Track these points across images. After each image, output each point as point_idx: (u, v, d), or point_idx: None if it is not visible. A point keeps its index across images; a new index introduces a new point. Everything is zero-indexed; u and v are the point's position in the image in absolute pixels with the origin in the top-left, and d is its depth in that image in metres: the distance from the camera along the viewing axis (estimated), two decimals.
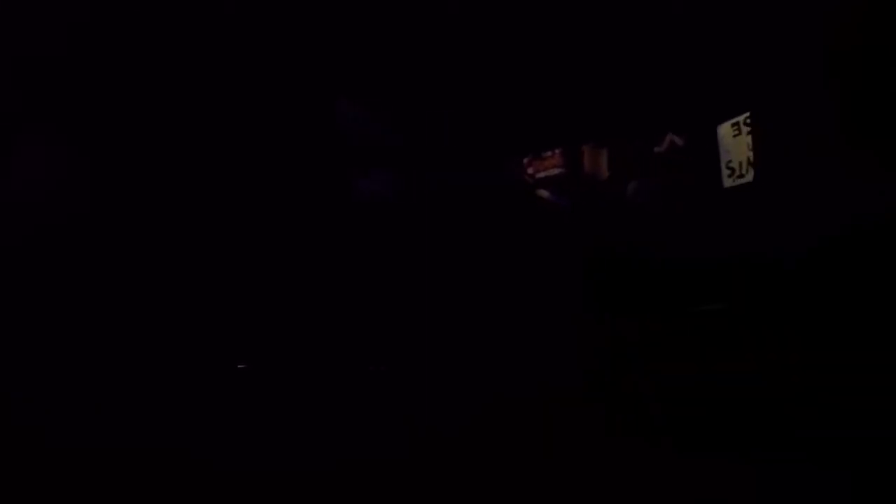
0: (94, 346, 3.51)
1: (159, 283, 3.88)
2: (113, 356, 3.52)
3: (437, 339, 4.06)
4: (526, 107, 5.42)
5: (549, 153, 5.73)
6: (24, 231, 3.55)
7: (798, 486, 1.75)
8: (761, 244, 3.58)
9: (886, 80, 3.08)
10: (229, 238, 4.27)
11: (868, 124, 3.14)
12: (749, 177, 4.51)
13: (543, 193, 5.67)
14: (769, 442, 2.19)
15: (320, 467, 2.34)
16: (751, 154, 4.47)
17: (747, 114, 4.43)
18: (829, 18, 3.26)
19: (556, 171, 5.70)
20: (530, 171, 5.78)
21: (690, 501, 1.72)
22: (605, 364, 3.38)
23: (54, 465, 2.40)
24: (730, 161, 4.74)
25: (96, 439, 2.66)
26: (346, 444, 2.60)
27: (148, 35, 4.04)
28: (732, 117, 4.65)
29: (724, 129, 4.77)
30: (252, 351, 3.90)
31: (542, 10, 4.79)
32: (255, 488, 2.18)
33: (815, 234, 3.19)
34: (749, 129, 4.45)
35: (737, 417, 2.50)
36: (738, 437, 2.33)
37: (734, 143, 4.69)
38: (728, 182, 4.71)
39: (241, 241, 4.31)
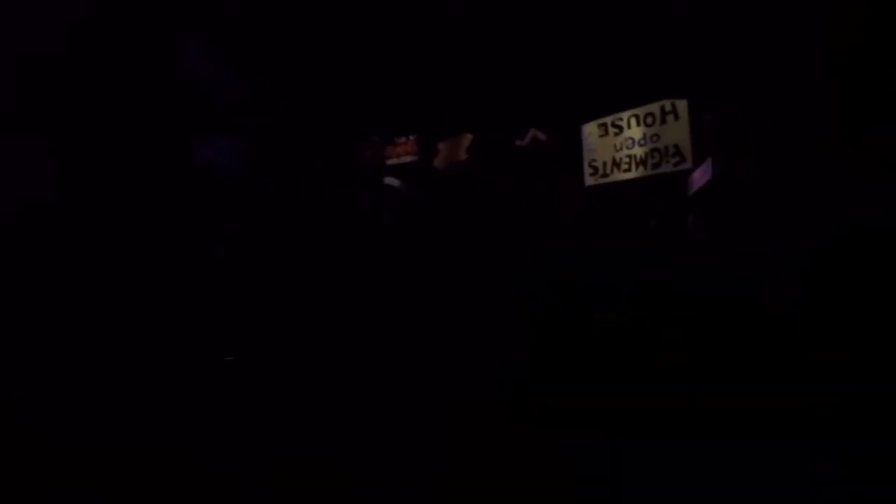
0: (94, 346, 3.51)
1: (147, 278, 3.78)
2: (112, 356, 3.51)
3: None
4: (383, 88, 5.06)
5: (402, 139, 5.35)
6: (22, 230, 3.54)
7: None
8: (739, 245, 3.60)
9: (886, 80, 3.08)
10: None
11: (868, 124, 3.14)
12: (612, 177, 4.64)
13: (392, 181, 5.31)
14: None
15: (319, 468, 2.34)
16: (616, 154, 4.62)
17: (616, 115, 4.56)
18: (829, 18, 3.26)
19: (408, 158, 5.37)
20: (380, 156, 5.38)
21: None
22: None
23: (54, 465, 2.40)
24: (594, 160, 4.83)
25: (96, 439, 2.66)
26: (343, 445, 2.60)
27: None
28: (599, 117, 4.75)
29: (590, 129, 4.86)
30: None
31: None
32: (255, 488, 2.18)
33: (815, 234, 3.19)
34: (616, 130, 4.59)
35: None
36: None
37: (600, 143, 4.79)
38: (590, 181, 4.79)
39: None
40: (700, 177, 4.57)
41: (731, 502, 1.98)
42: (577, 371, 3.27)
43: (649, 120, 4.49)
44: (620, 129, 4.67)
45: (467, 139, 5.17)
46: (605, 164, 4.77)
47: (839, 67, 3.24)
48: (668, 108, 4.38)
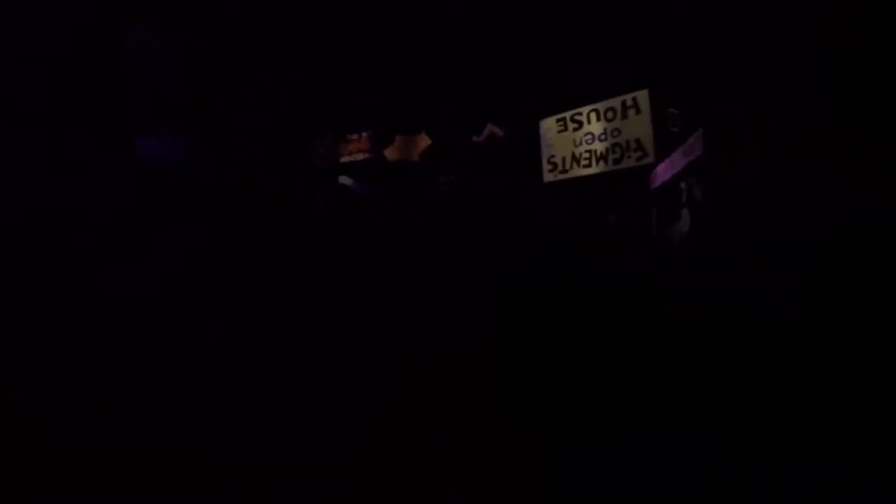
0: (94, 346, 3.51)
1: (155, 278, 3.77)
2: (112, 356, 3.51)
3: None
4: (336, 83, 4.88)
5: (355, 136, 5.18)
6: (22, 229, 3.54)
7: None
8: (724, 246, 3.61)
9: (886, 80, 3.08)
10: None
11: (868, 124, 3.14)
12: (572, 173, 4.60)
13: (346, 181, 5.14)
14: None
15: (319, 469, 2.34)
16: (576, 150, 4.57)
17: (575, 110, 4.49)
18: (829, 18, 3.26)
19: (361, 155, 5.18)
20: (334, 153, 5.19)
21: None
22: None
23: (54, 465, 2.40)
24: (552, 156, 4.77)
25: (96, 439, 2.66)
26: (343, 444, 2.60)
27: None
28: (558, 113, 4.68)
29: (548, 124, 4.79)
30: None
31: None
32: (255, 488, 2.18)
33: (815, 234, 3.19)
34: (576, 125, 4.53)
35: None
36: None
37: (559, 138, 4.72)
38: (549, 177, 4.75)
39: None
40: (664, 171, 4.55)
41: (730, 502, 1.98)
42: (570, 372, 3.28)
43: (610, 115, 4.41)
44: (580, 124, 4.62)
45: (424, 141, 5.11)
46: (564, 159, 4.71)
47: (839, 68, 3.24)
48: (629, 102, 4.30)
